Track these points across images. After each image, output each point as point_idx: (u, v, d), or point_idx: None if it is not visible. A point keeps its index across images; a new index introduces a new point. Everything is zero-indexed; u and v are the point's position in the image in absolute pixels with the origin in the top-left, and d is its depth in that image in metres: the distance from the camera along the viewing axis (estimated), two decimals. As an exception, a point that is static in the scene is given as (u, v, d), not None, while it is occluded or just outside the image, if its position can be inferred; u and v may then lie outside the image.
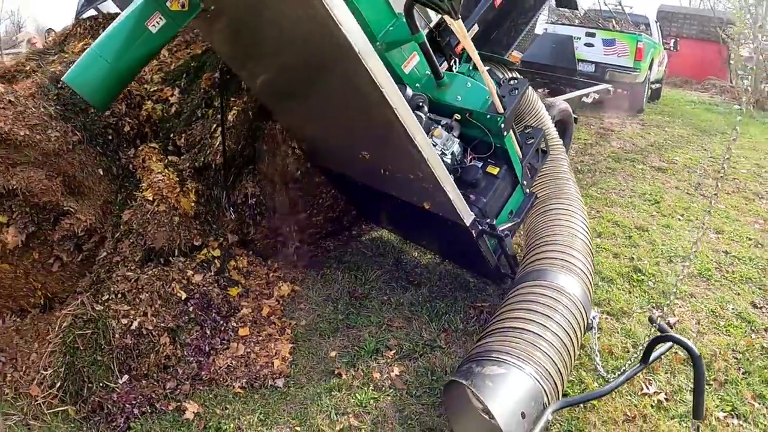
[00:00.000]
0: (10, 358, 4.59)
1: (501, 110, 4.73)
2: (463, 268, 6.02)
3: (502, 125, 4.75)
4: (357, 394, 4.20)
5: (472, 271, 5.93)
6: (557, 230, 4.90)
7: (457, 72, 5.20)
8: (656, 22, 17.39)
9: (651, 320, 4.10)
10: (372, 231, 6.85)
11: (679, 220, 7.98)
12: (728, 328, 5.36)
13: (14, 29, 26.44)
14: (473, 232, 4.63)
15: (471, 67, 5.22)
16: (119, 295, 4.70)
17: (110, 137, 5.66)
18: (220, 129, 5.60)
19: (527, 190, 5.31)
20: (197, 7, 4.13)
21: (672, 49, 18.41)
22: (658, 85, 18.72)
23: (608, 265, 6.35)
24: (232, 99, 5.67)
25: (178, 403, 4.22)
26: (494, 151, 4.93)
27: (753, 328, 5.41)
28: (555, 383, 3.52)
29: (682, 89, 25.40)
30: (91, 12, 8.52)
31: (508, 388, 3.40)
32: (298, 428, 3.94)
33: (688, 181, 9.83)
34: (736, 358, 4.91)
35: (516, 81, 5.33)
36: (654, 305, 5.62)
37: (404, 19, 4.43)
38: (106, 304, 4.63)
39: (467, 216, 4.57)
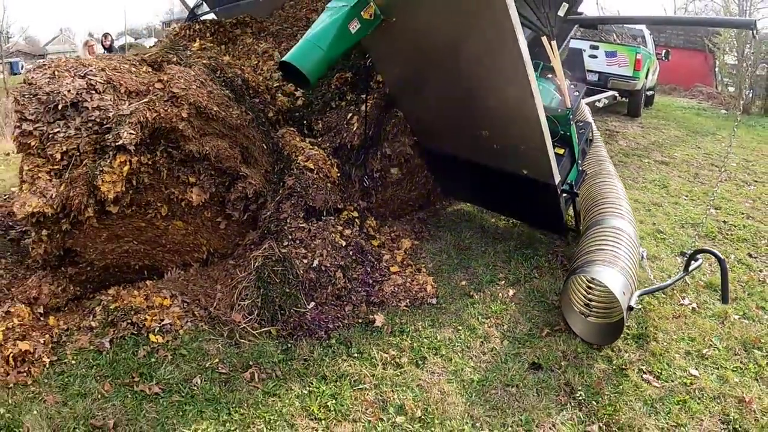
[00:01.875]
0: (194, 299, 5.61)
1: (569, 106, 6.55)
2: (533, 227, 7.86)
3: (570, 117, 6.56)
4: (491, 306, 6.02)
5: (541, 228, 7.75)
6: (607, 193, 6.97)
7: None
8: (650, 34, 18.89)
9: (683, 253, 6.78)
10: (451, 205, 8.58)
11: (685, 199, 9.97)
12: (733, 269, 7.23)
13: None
14: (559, 189, 6.43)
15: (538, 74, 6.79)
16: (297, 241, 5.99)
17: (263, 120, 6.94)
18: (356, 117, 7.15)
19: (581, 168, 7.14)
20: (379, 18, 5.72)
21: (663, 59, 19.74)
22: (651, 92, 20.33)
23: (637, 228, 8.16)
24: (365, 96, 7.19)
25: (363, 318, 5.65)
26: (560, 137, 6.61)
27: (751, 269, 7.38)
28: (633, 280, 5.52)
29: (672, 96, 27.11)
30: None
31: (610, 275, 5.36)
32: (459, 327, 5.63)
33: (687, 171, 11.84)
34: (741, 286, 6.85)
35: (576, 85, 7.20)
36: (677, 253, 7.51)
37: None
38: (287, 248, 5.86)
39: (557, 176, 6.33)
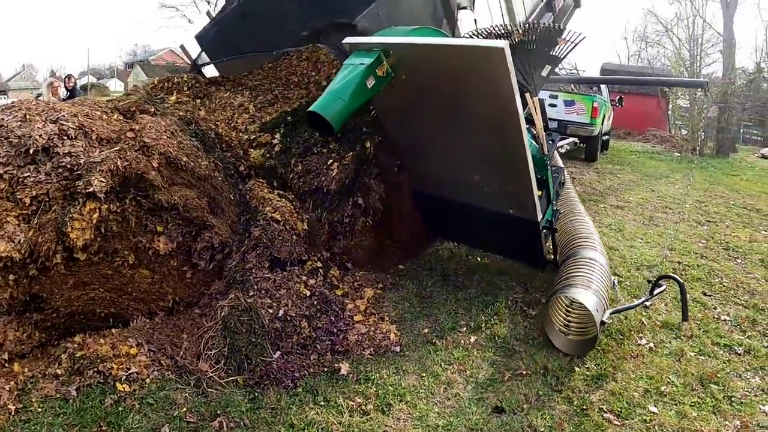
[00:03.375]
0: (160, 348, 5.55)
1: (546, 152, 7.12)
2: (514, 259, 8.39)
3: (547, 162, 7.13)
4: (453, 352, 6.13)
5: (521, 261, 8.31)
6: (580, 229, 7.99)
7: None
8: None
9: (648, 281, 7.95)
10: (413, 257, 8.69)
11: (640, 242, 10.23)
12: (688, 308, 7.31)
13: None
14: (540, 226, 7.08)
15: None
16: (263, 291, 6.02)
17: (232, 173, 7.11)
18: (336, 164, 7.38)
19: (555, 207, 7.70)
20: (391, 75, 6.41)
21: (617, 105, 20.35)
22: (607, 137, 20.98)
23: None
24: (347, 147, 7.57)
25: (329, 366, 5.68)
26: (538, 180, 6.93)
27: (706, 307, 7.65)
28: (605, 300, 6.34)
29: (626, 140, 27.84)
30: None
31: (586, 296, 6.16)
32: (423, 374, 5.73)
33: (642, 215, 12.19)
34: (697, 324, 7.09)
35: (551, 134, 7.91)
36: (632, 296, 7.71)
37: None
38: (253, 297, 5.89)
39: (540, 214, 6.99)
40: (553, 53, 7.64)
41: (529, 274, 8.09)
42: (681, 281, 6.87)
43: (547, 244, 7.89)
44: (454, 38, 8.75)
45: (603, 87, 18.90)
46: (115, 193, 5.58)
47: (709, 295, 8.07)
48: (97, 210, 5.40)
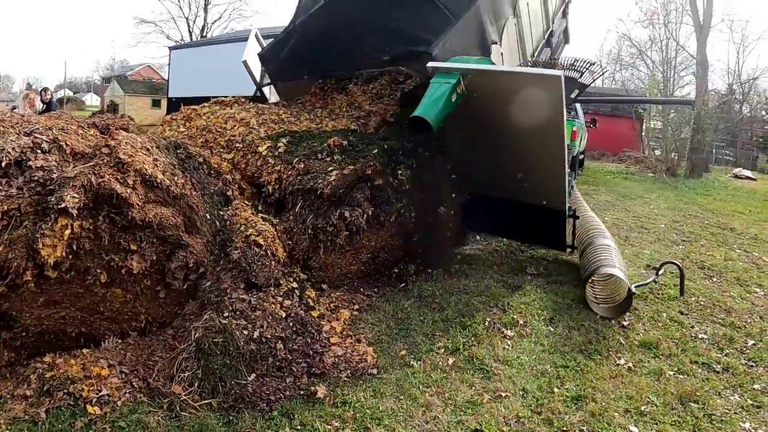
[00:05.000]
0: (132, 370, 5.46)
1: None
2: (541, 245, 10.53)
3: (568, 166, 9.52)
4: (431, 375, 6.03)
5: (547, 246, 10.42)
6: (592, 222, 10.36)
7: None
8: (581, 105, 19.98)
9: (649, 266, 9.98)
10: (389, 278, 8.61)
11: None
12: (666, 327, 7.50)
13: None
14: (567, 214, 9.29)
15: None
16: (237, 312, 5.93)
17: (216, 195, 7.28)
18: (336, 172, 7.81)
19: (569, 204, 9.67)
20: (465, 94, 8.00)
21: (591, 126, 20.55)
22: (582, 156, 21.41)
23: (573, 292, 8.48)
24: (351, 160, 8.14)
25: (305, 390, 5.55)
26: None
27: (683, 326, 7.63)
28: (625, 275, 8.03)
29: (601, 161, 28.12)
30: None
31: (617, 272, 8.05)
32: (401, 397, 5.63)
33: (618, 235, 12.12)
34: (675, 343, 7.06)
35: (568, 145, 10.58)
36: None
37: None
38: (228, 319, 5.78)
39: (568, 204, 9.20)
40: (581, 81, 10.40)
41: (507, 295, 8.10)
42: (679, 264, 8.96)
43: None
44: (519, 67, 12.44)
45: (579, 110, 19.34)
46: (88, 210, 5.48)
47: (686, 314, 8.07)
48: (70, 226, 5.29)
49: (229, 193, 7.62)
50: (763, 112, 65.26)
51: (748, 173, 32.17)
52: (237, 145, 8.88)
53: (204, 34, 65.82)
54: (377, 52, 10.14)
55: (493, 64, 9.73)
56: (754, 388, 6.16)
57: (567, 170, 8.52)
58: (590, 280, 8.26)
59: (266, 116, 9.91)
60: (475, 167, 9.16)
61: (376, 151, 8.26)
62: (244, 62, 12.35)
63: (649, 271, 9.67)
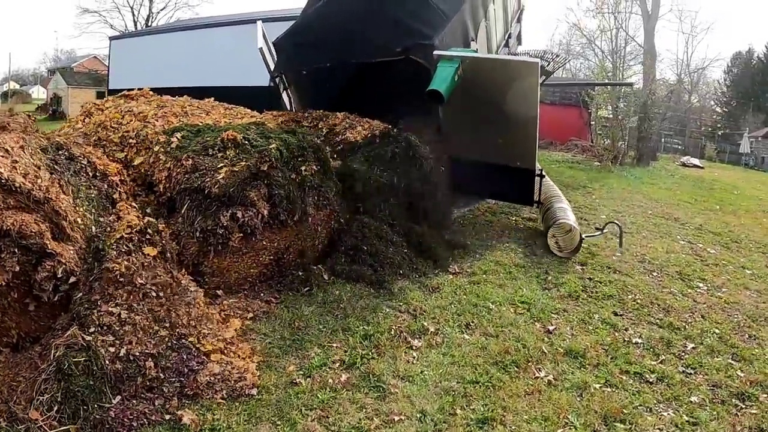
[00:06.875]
0: None
1: None
2: (514, 201, 13.14)
3: None
4: (318, 395, 5.26)
5: (519, 202, 13.04)
6: (552, 190, 12.74)
7: None
8: None
9: (597, 228, 11.41)
10: (298, 283, 7.74)
11: (551, 258, 9.56)
12: (596, 330, 6.85)
13: None
14: (537, 174, 11.78)
15: None
16: (104, 327, 5.36)
17: (97, 199, 6.67)
18: (225, 169, 7.26)
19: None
20: (461, 77, 10.00)
21: None
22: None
23: (496, 294, 7.74)
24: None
25: (172, 414, 4.94)
26: None
27: (615, 328, 6.98)
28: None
29: (547, 150, 28.00)
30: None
31: (571, 220, 10.60)
32: (278, 422, 4.90)
33: (555, 227, 11.33)
34: (605, 349, 6.39)
35: None
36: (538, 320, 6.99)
37: None
38: (93, 335, 5.26)
39: (537, 165, 11.82)
40: (547, 69, 14.08)
41: (421, 299, 7.40)
42: (618, 223, 11.08)
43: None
44: (505, 56, 16.74)
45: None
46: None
47: (621, 315, 7.45)
48: None
49: (116, 195, 7.08)
50: (712, 102, 65.99)
51: (696, 161, 32.73)
52: (131, 141, 8.27)
53: (149, 24, 64.48)
54: (390, 44, 11.33)
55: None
56: (690, 402, 5.56)
57: (537, 134, 11.16)
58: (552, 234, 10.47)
59: (168, 109, 9.37)
60: (465, 136, 11.47)
61: (274, 146, 7.74)
62: (260, 49, 12.97)
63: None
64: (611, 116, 30.90)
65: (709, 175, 26.80)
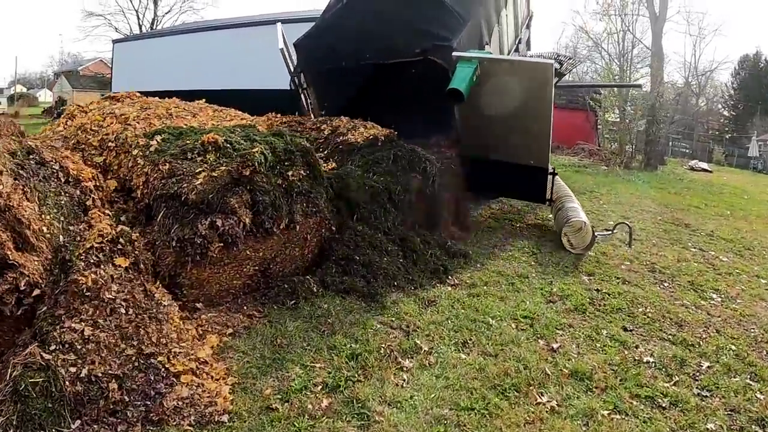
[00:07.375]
0: None
1: None
2: (527, 200, 13.71)
3: None
4: (295, 422, 4.73)
5: (532, 200, 13.59)
6: (564, 189, 13.06)
7: None
8: None
9: (606, 229, 11.67)
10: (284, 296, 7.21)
11: (556, 267, 9.00)
12: (604, 348, 6.33)
13: None
14: (550, 172, 12.09)
15: None
16: (66, 345, 4.94)
17: (67, 206, 6.28)
18: (204, 174, 6.83)
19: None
20: (479, 77, 10.14)
21: None
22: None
23: (496, 308, 7.20)
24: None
25: None
26: None
27: (625, 346, 6.44)
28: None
29: (555, 154, 27.31)
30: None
31: (583, 217, 10.67)
32: (249, 454, 4.37)
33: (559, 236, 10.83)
34: (613, 370, 5.85)
35: None
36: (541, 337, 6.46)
37: None
38: (53, 353, 4.85)
39: (550, 164, 12.10)
40: (560, 70, 14.12)
41: (415, 313, 6.87)
42: (629, 224, 11.24)
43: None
44: (522, 57, 17.36)
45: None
46: None
47: (631, 330, 6.93)
48: None
49: (89, 202, 6.65)
50: (719, 105, 65.50)
51: (704, 165, 32.44)
52: (110, 144, 7.86)
53: (154, 27, 64.25)
54: (409, 46, 11.85)
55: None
56: (707, 429, 5.03)
57: (551, 133, 11.30)
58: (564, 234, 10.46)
59: (152, 111, 9.02)
60: (480, 135, 11.69)
61: (258, 149, 7.29)
62: (281, 50, 13.34)
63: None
64: (619, 120, 30.61)
65: (717, 179, 26.35)
